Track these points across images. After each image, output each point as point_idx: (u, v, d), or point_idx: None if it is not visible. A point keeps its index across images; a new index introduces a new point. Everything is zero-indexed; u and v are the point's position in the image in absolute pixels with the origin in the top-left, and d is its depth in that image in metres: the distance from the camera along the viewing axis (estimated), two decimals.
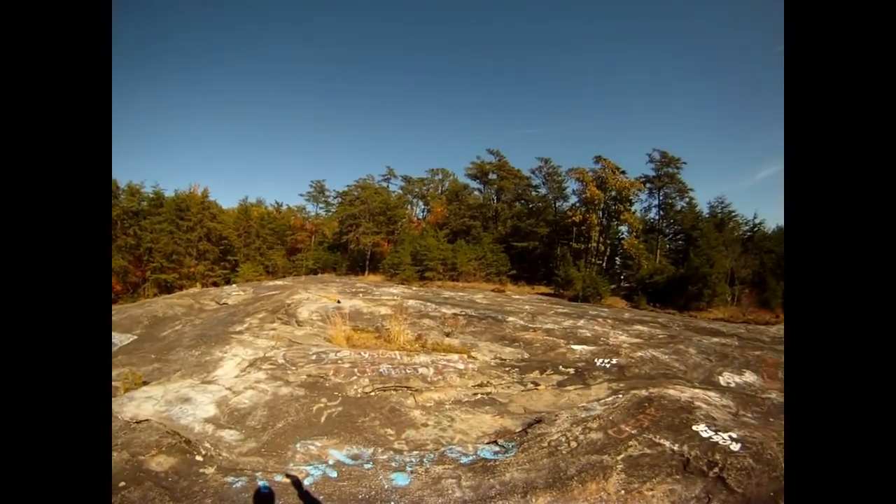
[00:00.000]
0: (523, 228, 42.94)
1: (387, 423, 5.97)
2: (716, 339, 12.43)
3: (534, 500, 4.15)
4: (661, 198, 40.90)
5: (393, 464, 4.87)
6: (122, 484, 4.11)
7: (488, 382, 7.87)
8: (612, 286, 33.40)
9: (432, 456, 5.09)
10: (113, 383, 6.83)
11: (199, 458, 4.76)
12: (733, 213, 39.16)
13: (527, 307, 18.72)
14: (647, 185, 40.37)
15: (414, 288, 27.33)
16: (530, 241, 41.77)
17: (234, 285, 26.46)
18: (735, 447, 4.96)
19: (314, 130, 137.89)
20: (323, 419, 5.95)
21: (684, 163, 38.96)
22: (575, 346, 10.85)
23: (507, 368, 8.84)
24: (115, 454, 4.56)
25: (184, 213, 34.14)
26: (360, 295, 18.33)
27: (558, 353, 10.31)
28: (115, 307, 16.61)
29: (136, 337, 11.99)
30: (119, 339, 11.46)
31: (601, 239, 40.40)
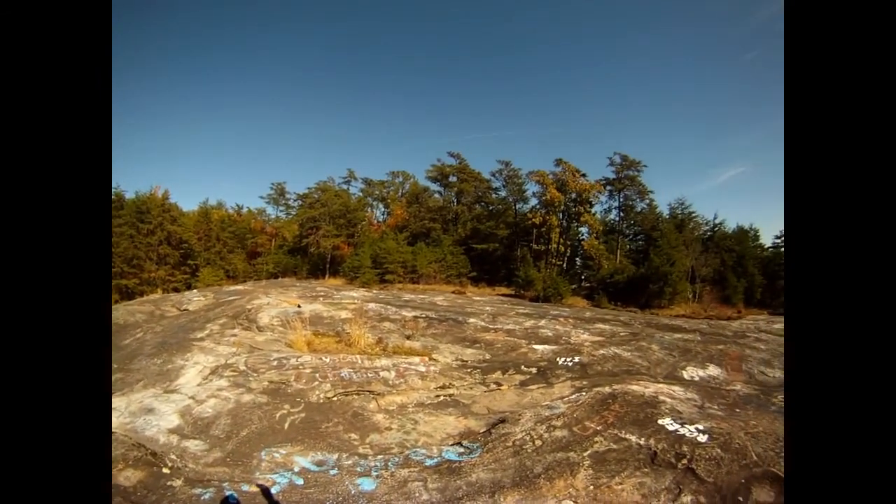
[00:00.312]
0: (483, 230, 43.26)
1: (350, 427, 5.90)
2: (678, 335, 12.68)
3: (502, 500, 4.12)
4: (621, 200, 41.98)
5: (358, 469, 4.82)
6: None
7: (450, 384, 7.81)
8: (573, 286, 34.02)
9: (397, 459, 5.04)
10: None
11: (166, 470, 4.66)
12: (693, 214, 40.81)
13: (487, 308, 18.76)
14: (608, 187, 41.41)
15: (374, 291, 27.22)
16: (490, 242, 42.14)
17: (195, 290, 26.01)
18: (702, 438, 5.01)
19: (275, 131, 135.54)
20: (286, 426, 5.87)
21: (645, 166, 40.28)
22: (536, 346, 10.89)
23: (468, 370, 8.79)
24: None
25: (144, 215, 33.62)
26: (321, 299, 18.17)
27: (520, 353, 10.32)
28: None
29: None
30: None
31: (561, 240, 41.06)
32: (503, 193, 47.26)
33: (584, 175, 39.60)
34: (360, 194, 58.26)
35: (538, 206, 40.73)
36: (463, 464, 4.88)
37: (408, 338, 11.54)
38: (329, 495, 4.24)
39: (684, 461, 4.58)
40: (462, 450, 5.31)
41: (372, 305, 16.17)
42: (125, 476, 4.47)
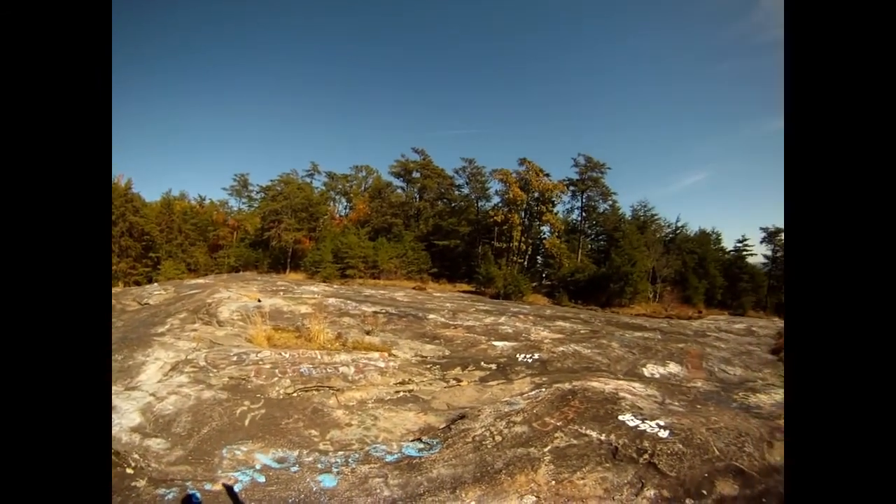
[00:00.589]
0: (445, 227, 43.28)
1: (310, 424, 5.84)
2: (638, 334, 12.93)
3: (464, 496, 4.09)
4: (584, 200, 42.57)
5: (319, 465, 4.77)
6: None
7: (410, 380, 7.78)
8: (534, 284, 34.45)
9: (358, 456, 5.01)
10: None
11: (129, 470, 4.56)
12: (656, 217, 41.91)
13: (448, 305, 18.84)
14: (571, 187, 41.92)
15: (335, 286, 27.11)
16: (452, 239, 42.20)
17: (155, 284, 25.44)
18: (663, 434, 5.07)
19: (240, 120, 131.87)
20: (247, 422, 5.77)
21: (609, 168, 40.89)
22: (496, 343, 10.95)
23: (428, 366, 8.74)
24: None
25: None
26: (281, 293, 18.12)
27: (480, 349, 10.34)
28: None
29: None
30: None
31: (523, 238, 41.45)
32: (466, 191, 47.46)
33: (547, 175, 40.08)
34: (323, 188, 57.62)
35: (501, 205, 41.00)
36: (423, 460, 4.86)
37: (367, 333, 11.50)
38: (291, 493, 4.20)
39: (646, 456, 4.61)
40: (422, 445, 5.27)
41: (332, 300, 16.18)
42: None
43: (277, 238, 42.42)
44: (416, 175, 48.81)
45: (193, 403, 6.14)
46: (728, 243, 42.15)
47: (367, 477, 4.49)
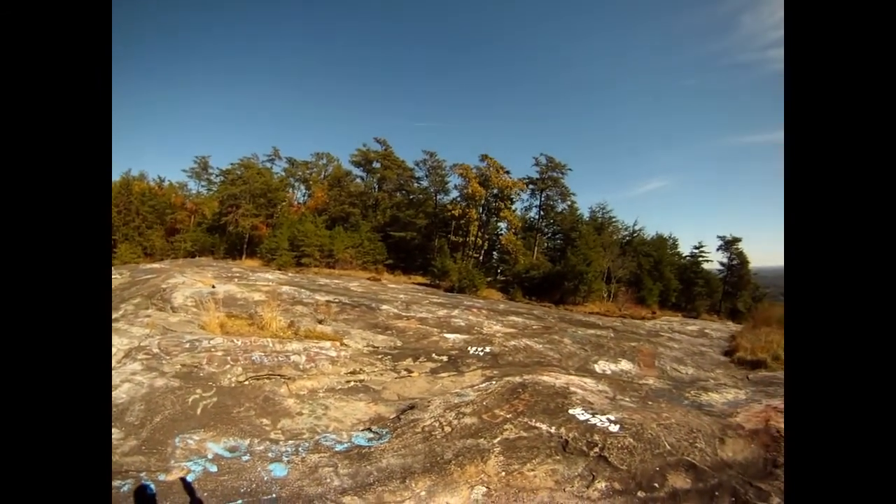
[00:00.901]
0: (403, 218, 42.97)
1: (262, 412, 5.77)
2: (591, 331, 13.14)
3: (414, 486, 4.07)
4: (542, 199, 42.95)
5: (270, 454, 4.73)
6: None
7: (361, 370, 7.71)
8: (489, 279, 34.58)
9: (308, 445, 4.97)
10: None
11: None
12: (613, 219, 42.71)
13: (402, 296, 18.79)
14: (531, 186, 42.23)
15: (290, 274, 26.81)
16: (409, 231, 41.95)
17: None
18: (614, 428, 5.13)
19: (203, 100, 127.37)
20: (199, 411, 5.67)
21: (570, 169, 41.37)
22: (448, 335, 10.95)
23: (380, 356, 8.68)
24: None
25: None
26: (236, 280, 17.96)
27: (431, 341, 10.32)
28: None
29: None
30: None
31: (480, 233, 41.60)
32: (425, 183, 47.18)
33: (507, 172, 40.26)
34: (283, 174, 56.22)
35: (459, 199, 40.96)
36: (373, 449, 4.83)
37: (320, 322, 11.38)
38: (243, 482, 4.15)
39: (596, 449, 4.65)
40: (372, 435, 5.23)
41: (286, 288, 16.10)
42: None
43: (235, 223, 41.29)
44: (376, 165, 48.24)
45: (146, 392, 6.01)
46: (685, 249, 43.46)
47: (318, 466, 4.46)
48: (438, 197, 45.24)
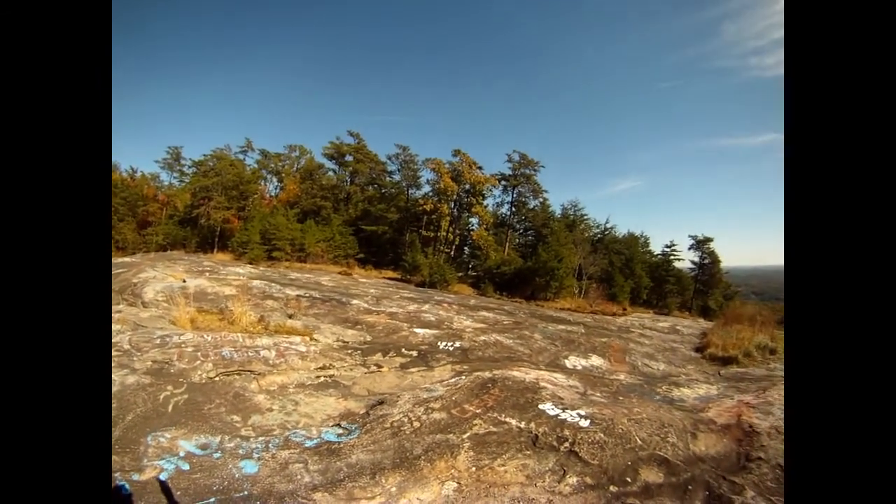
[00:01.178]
0: (374, 213, 42.77)
1: (232, 409, 5.70)
2: (562, 327, 13.24)
3: (384, 481, 4.05)
4: (514, 195, 43.25)
5: (241, 451, 4.67)
6: None
7: (331, 365, 7.63)
8: (460, 274, 34.69)
9: (278, 441, 4.93)
10: None
11: None
12: (585, 217, 43.37)
13: (372, 291, 18.72)
14: (503, 182, 42.50)
15: (261, 268, 26.63)
16: (380, 225, 41.79)
17: None
18: (584, 423, 5.16)
19: (178, 91, 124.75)
20: (170, 408, 5.57)
21: (542, 166, 41.90)
22: (418, 330, 10.94)
23: (349, 351, 8.60)
24: None
25: None
26: (207, 274, 17.89)
27: (401, 336, 10.28)
28: None
29: None
30: None
31: (451, 228, 41.65)
32: (397, 177, 47.15)
33: (480, 168, 40.46)
34: (256, 166, 55.45)
35: (431, 194, 40.96)
36: (342, 445, 4.80)
37: (290, 317, 11.29)
38: (215, 479, 4.08)
39: (567, 444, 4.66)
40: (341, 431, 5.20)
41: (257, 283, 16.06)
42: None
43: (206, 216, 40.56)
44: (349, 158, 47.91)
45: (118, 389, 5.85)
46: (657, 248, 44.24)
47: (288, 462, 4.42)
48: (410, 191, 45.21)
